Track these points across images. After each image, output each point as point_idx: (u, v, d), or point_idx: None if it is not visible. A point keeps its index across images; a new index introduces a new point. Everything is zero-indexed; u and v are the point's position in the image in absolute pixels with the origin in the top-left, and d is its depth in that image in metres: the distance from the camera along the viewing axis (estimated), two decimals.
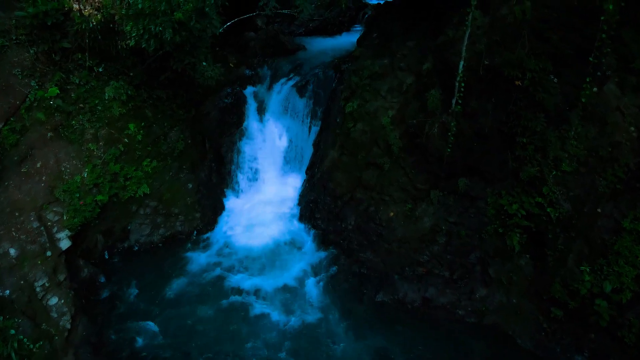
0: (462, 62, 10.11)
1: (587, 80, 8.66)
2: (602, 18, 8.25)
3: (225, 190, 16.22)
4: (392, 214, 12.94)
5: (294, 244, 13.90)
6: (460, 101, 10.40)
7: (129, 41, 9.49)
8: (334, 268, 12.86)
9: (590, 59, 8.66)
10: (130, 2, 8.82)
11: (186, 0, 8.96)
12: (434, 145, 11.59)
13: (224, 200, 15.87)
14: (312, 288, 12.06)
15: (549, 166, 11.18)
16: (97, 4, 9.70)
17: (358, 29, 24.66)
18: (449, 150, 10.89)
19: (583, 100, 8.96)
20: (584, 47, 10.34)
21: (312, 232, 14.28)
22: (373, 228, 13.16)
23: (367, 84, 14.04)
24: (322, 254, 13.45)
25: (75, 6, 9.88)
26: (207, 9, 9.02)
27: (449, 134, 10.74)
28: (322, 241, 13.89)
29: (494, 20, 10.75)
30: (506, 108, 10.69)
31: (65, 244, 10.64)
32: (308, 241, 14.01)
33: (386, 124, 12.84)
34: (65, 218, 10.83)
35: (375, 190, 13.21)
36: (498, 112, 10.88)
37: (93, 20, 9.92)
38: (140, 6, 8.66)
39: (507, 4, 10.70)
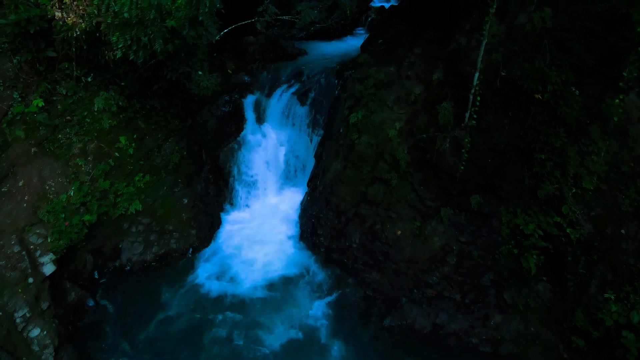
0: (477, 74, 9.35)
1: (620, 97, 7.88)
2: (638, 29, 7.48)
3: (223, 203, 15.47)
4: (399, 232, 12.18)
5: (294, 263, 13.12)
6: (475, 115, 9.65)
7: (116, 52, 8.74)
8: (338, 290, 12.12)
9: (624, 74, 7.89)
10: (116, 10, 8.07)
11: (178, 8, 8.21)
12: (445, 161, 10.83)
13: (222, 214, 15.11)
14: (314, 313, 11.29)
15: (568, 184, 10.46)
16: (81, 11, 8.96)
17: (361, 32, 23.96)
18: (462, 168, 10.13)
19: (615, 118, 8.21)
20: (608, 57, 9.64)
21: (314, 249, 13.52)
22: (379, 247, 12.40)
23: (373, 93, 13.29)
24: (325, 274, 12.70)
25: (58, 14, 9.14)
26: (201, 18, 8.29)
27: (463, 150, 9.98)
28: (325, 260, 13.14)
29: (511, 28, 10.02)
30: (524, 123, 9.96)
31: (49, 268, 9.88)
32: (310, 260, 13.25)
33: (393, 137, 12.09)
34: (49, 240, 10.07)
35: (382, 206, 12.46)
36: (515, 127, 10.14)
37: (77, 30, 9.17)
38: (126, 15, 7.90)
39: (525, 11, 9.97)
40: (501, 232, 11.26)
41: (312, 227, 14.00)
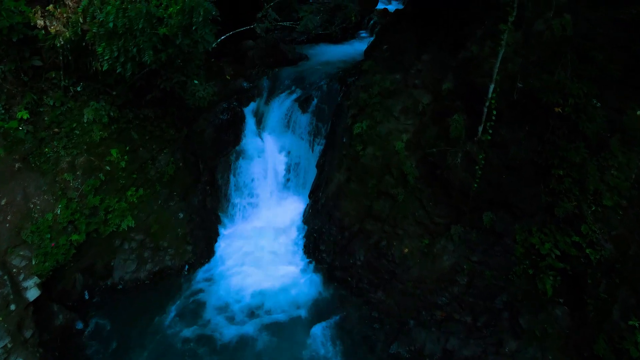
0: (492, 86, 8.69)
1: None
2: None
3: (220, 216, 14.82)
4: (406, 250, 11.53)
5: (295, 282, 12.47)
6: (491, 131, 8.99)
7: (102, 64, 8.07)
8: (342, 311, 11.46)
9: None
10: (101, 19, 7.40)
11: (170, 16, 7.55)
12: (456, 177, 10.18)
13: (220, 227, 14.47)
14: (316, 337, 10.63)
15: (587, 201, 9.82)
16: (64, 19, 8.31)
17: (363, 35, 23.35)
18: (475, 185, 9.47)
19: None
20: (632, 67, 9.00)
21: (317, 266, 12.87)
22: (385, 265, 11.76)
23: (378, 102, 12.65)
24: (328, 294, 12.05)
25: (40, 22, 8.47)
26: (195, 27, 7.62)
27: (476, 167, 9.32)
28: (328, 278, 12.48)
29: (528, 36, 9.37)
30: (542, 137, 9.30)
31: (33, 293, 9.22)
32: (312, 278, 12.59)
33: (400, 149, 11.44)
34: (34, 263, 9.42)
35: (388, 222, 11.81)
36: (532, 142, 9.48)
37: (61, 39, 8.50)
38: (111, 25, 7.24)
39: (543, 18, 9.32)
40: (515, 251, 10.61)
41: (314, 241, 13.36)
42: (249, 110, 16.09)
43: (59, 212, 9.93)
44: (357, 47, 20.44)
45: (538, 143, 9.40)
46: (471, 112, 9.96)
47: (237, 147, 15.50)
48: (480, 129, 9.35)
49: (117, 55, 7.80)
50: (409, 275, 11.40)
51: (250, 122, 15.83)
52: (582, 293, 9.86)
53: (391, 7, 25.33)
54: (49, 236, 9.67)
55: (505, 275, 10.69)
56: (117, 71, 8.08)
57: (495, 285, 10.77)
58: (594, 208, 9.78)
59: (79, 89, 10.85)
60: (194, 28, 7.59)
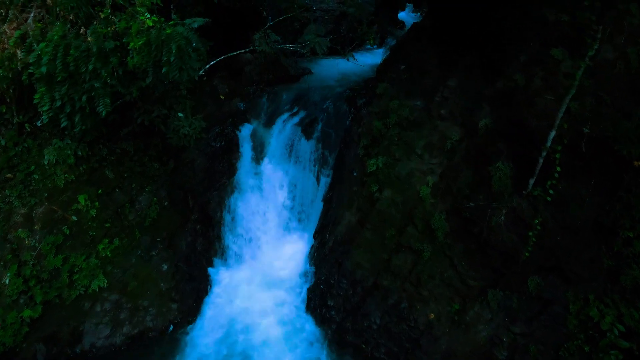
0: (553, 132, 6.80)
1: None
2: None
3: (212, 258, 12.93)
4: (432, 315, 9.66)
5: (296, 344, 10.59)
6: (551, 191, 7.09)
7: (42, 115, 6.17)
8: None
9: None
10: (32, 60, 5.50)
11: (135, 50, 5.68)
12: (499, 238, 8.29)
13: (211, 273, 12.57)
14: None
15: None
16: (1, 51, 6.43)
17: (371, 47, 21.44)
18: (527, 254, 7.58)
19: None
20: None
21: (324, 325, 10.98)
22: (406, 332, 9.88)
23: (396, 135, 10.79)
24: None
25: None
26: (164, 69, 5.73)
27: (530, 233, 7.43)
28: (338, 342, 10.58)
29: (593, 66, 7.47)
30: (612, 195, 7.41)
31: None
32: (317, 340, 10.71)
33: (425, 195, 9.56)
34: None
35: (409, 280, 9.93)
36: (598, 199, 7.59)
37: None
38: (44, 70, 5.33)
39: (612, 44, 7.42)
40: (567, 322, 8.73)
41: (320, 295, 11.46)
42: (245, 135, 14.17)
43: (7, 281, 8.04)
44: (365, 61, 18.53)
45: (607, 201, 7.51)
46: (517, 157, 8.07)
47: (232, 179, 13.60)
48: (532, 181, 7.46)
49: (61, 105, 5.91)
50: (436, 346, 9.52)
51: (247, 150, 13.93)
52: None
53: (402, 15, 23.49)
54: None
55: (555, 351, 8.83)
56: (62, 125, 6.19)
57: None
58: None
59: (38, 124, 8.96)
60: (163, 70, 5.71)
